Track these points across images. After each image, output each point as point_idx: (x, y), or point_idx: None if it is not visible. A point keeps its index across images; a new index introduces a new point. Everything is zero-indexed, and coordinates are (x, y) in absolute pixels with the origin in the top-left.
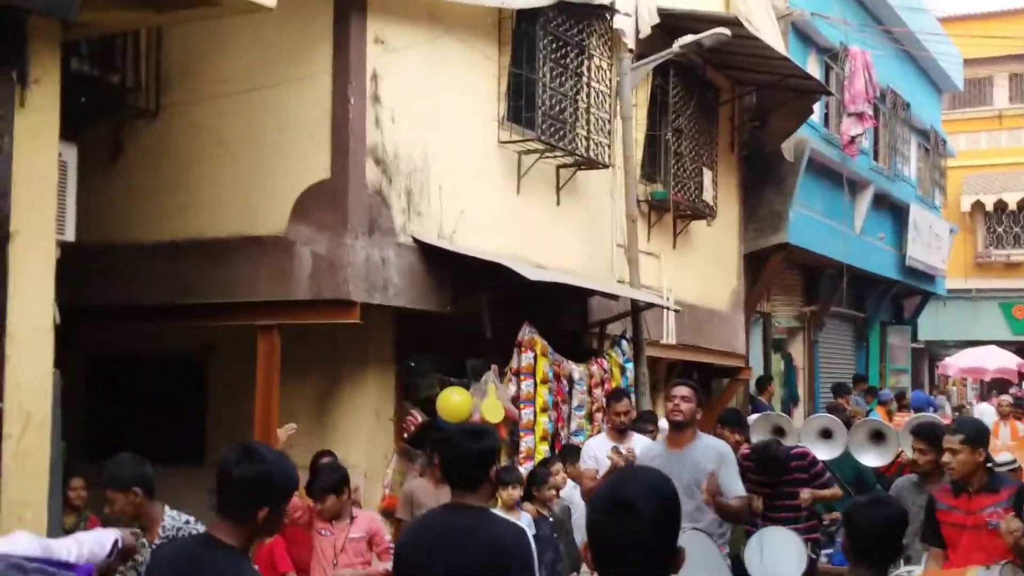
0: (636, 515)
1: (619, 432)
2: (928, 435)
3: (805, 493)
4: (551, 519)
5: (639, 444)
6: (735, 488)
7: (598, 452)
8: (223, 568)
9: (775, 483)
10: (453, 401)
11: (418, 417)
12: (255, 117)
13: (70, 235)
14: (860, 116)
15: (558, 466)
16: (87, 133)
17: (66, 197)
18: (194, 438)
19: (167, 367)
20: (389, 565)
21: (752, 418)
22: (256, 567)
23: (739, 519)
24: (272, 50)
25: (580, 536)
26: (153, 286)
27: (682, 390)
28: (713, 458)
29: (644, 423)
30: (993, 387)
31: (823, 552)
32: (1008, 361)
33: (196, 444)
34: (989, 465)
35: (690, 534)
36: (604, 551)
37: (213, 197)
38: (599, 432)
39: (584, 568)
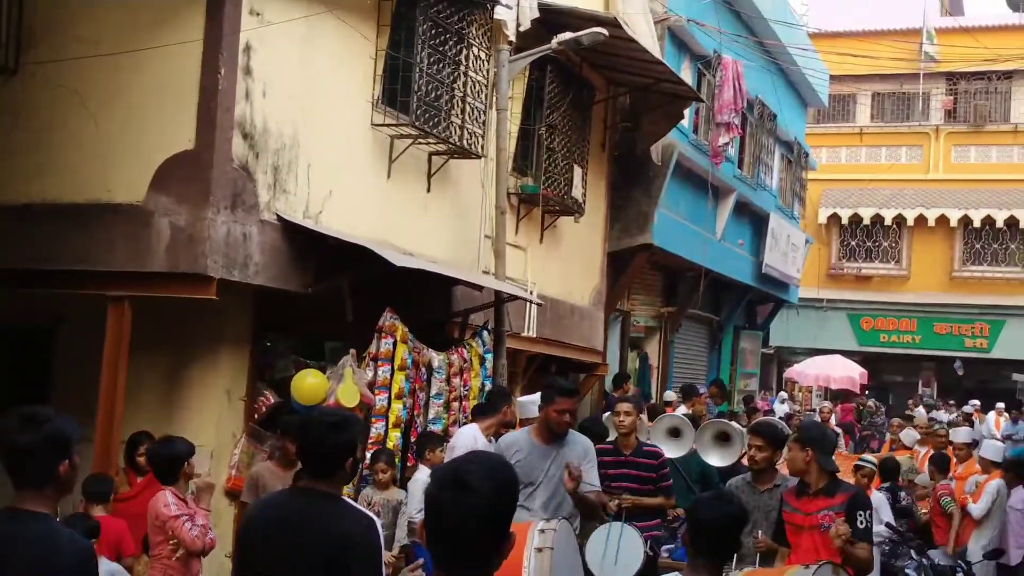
0: (472, 493)
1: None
2: (766, 433)
3: (626, 501)
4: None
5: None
6: (594, 482)
7: (478, 445)
8: (37, 536)
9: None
10: (308, 383)
11: (271, 398)
12: (120, 81)
13: None
14: (727, 126)
15: (381, 465)
16: None
17: None
18: None
19: (13, 334)
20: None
21: (605, 415)
22: (81, 536)
23: (593, 512)
24: (142, 14)
25: None
26: (2, 250)
27: (567, 403)
28: (579, 453)
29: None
30: (837, 395)
31: (665, 548)
32: (852, 371)
33: None
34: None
35: (564, 523)
36: (438, 527)
37: (71, 161)
38: (459, 423)
39: None
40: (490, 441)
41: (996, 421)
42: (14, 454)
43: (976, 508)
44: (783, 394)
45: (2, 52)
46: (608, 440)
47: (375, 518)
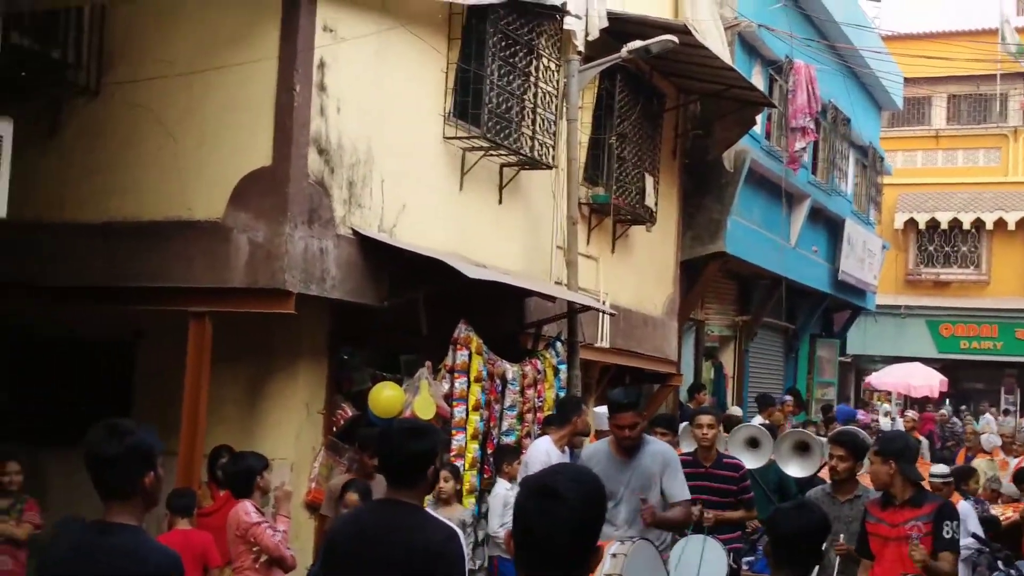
0: (561, 502)
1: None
2: (848, 443)
3: (708, 516)
4: None
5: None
6: (678, 493)
7: (551, 460)
8: (122, 546)
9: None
10: (385, 396)
11: (348, 411)
12: (197, 100)
13: (1, 211)
14: (802, 130)
15: (445, 473)
16: (24, 108)
17: None
18: None
19: (95, 350)
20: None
21: (682, 426)
22: (168, 547)
23: (683, 527)
24: (218, 33)
25: None
26: (85, 267)
27: (629, 416)
28: (659, 463)
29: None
30: (916, 403)
31: (744, 560)
32: (932, 379)
33: None
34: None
35: (640, 544)
36: (526, 537)
37: (150, 179)
38: (533, 435)
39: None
40: (563, 452)
41: None
42: (100, 465)
43: None
44: (887, 407)
45: (84, 74)
46: (687, 452)
47: (457, 529)
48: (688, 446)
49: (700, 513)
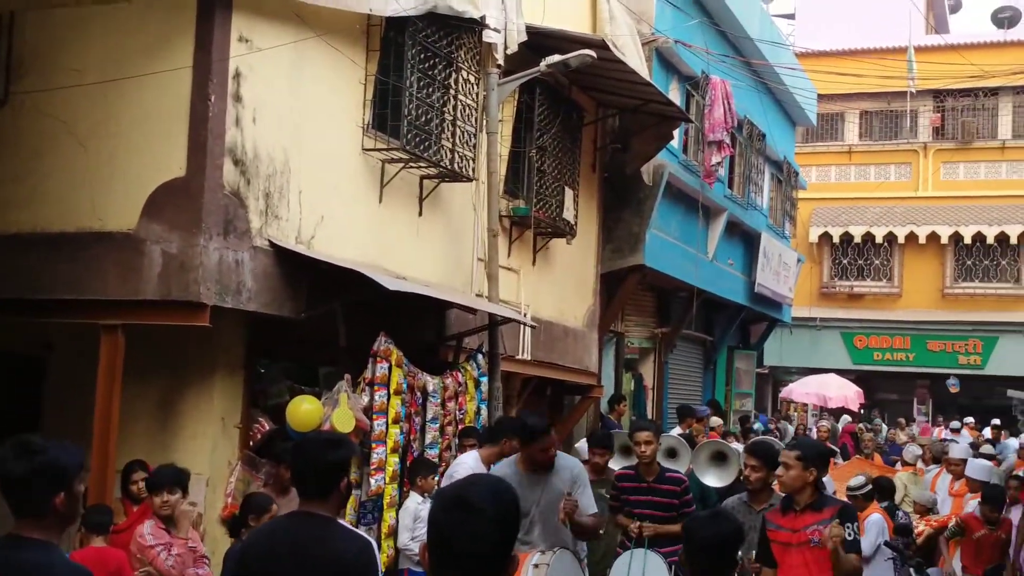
0: (478, 514)
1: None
2: (761, 453)
3: (647, 530)
4: None
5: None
6: (588, 506)
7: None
8: (31, 561)
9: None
10: (303, 410)
11: (266, 425)
12: (110, 110)
13: None
14: (718, 145)
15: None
16: None
17: None
18: None
19: (3, 363)
20: None
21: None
22: (79, 564)
23: (594, 536)
24: (131, 42)
25: None
26: None
27: (550, 439)
28: (568, 479)
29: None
30: (833, 414)
31: None
32: (847, 389)
33: None
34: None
35: (560, 553)
36: (443, 550)
37: (62, 190)
38: (454, 448)
39: None
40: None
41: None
42: (7, 484)
43: None
44: (825, 423)
45: None
46: (629, 467)
47: (371, 540)
48: (626, 460)
49: (639, 530)
